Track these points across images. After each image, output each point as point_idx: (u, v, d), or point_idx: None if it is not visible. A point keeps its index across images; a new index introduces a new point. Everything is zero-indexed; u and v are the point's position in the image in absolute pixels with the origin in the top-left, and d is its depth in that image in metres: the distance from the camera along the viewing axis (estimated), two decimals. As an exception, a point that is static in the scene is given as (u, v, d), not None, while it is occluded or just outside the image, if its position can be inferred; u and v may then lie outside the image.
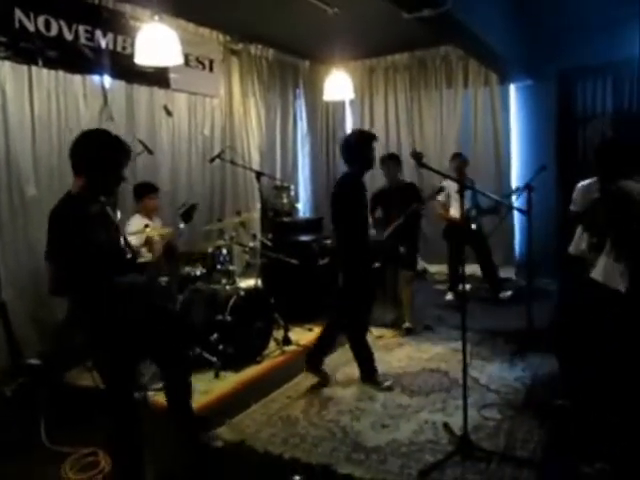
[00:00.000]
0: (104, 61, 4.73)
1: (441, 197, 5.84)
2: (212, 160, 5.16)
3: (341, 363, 4.21)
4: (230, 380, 4.02)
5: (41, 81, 4.36)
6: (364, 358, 3.87)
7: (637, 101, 5.94)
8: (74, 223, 2.29)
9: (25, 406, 3.44)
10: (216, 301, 4.30)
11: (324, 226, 6.07)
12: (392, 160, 5.14)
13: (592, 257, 3.15)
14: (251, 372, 4.17)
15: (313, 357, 3.93)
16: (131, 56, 4.11)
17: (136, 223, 4.28)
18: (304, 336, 4.89)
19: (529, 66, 6.14)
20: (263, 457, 2.98)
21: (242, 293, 4.35)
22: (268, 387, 3.85)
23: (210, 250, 4.61)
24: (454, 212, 5.70)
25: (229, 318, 4.16)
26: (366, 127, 7.66)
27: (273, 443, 3.11)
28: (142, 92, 5.20)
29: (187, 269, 4.54)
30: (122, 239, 2.65)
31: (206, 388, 3.85)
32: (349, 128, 7.92)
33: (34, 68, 4.29)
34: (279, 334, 4.70)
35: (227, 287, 4.45)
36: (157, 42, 3.63)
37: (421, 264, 6.72)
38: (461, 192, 3.01)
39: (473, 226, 5.76)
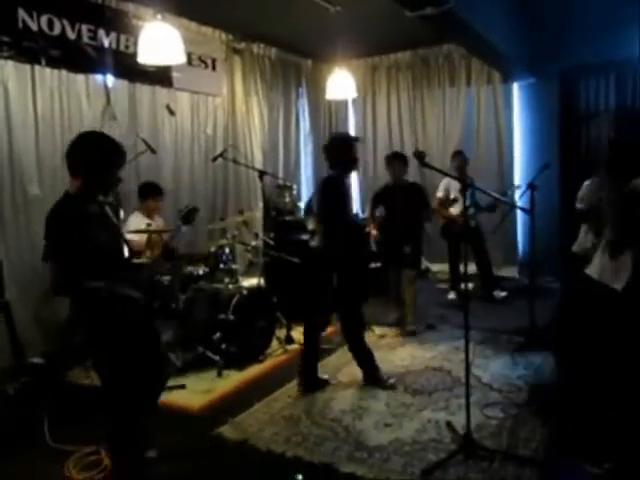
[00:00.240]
0: (107, 60, 4.74)
1: (440, 194, 5.84)
2: (215, 159, 5.16)
3: (343, 363, 4.20)
4: (233, 379, 4.02)
5: (44, 80, 4.37)
6: (364, 359, 3.85)
7: (640, 99, 5.93)
8: (72, 221, 2.31)
9: (28, 405, 3.44)
10: (219, 300, 4.30)
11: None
12: (398, 159, 5.08)
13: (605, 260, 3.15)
14: (254, 371, 4.17)
15: (305, 374, 3.80)
16: (134, 55, 4.12)
17: (136, 221, 4.28)
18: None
19: (532, 64, 6.13)
20: (265, 456, 2.98)
21: (245, 292, 4.35)
22: (271, 386, 3.85)
23: (213, 249, 4.62)
24: (454, 210, 5.70)
25: (232, 317, 4.16)
26: (369, 126, 7.69)
27: (276, 442, 3.11)
28: (145, 91, 5.21)
29: (190, 268, 4.55)
30: (122, 239, 2.65)
31: (209, 387, 3.86)
32: (352, 127, 7.93)
33: (37, 67, 4.30)
34: (282, 333, 4.70)
35: (230, 286, 4.45)
36: (160, 41, 3.64)
37: (424, 263, 6.71)
38: (463, 191, 3.00)
39: (472, 223, 5.74)
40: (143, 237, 3.72)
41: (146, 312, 2.50)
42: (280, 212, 5.73)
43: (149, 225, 4.17)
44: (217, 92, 6.05)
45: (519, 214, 6.49)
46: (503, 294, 5.96)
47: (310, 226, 5.42)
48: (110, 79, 4.82)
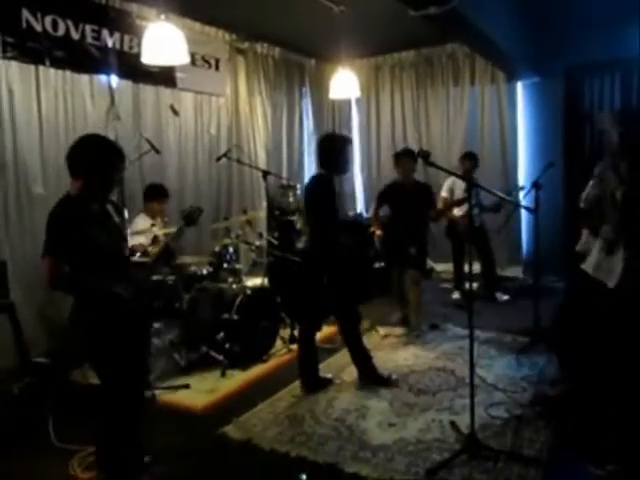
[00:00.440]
0: (111, 60, 4.75)
1: (445, 194, 5.82)
2: (219, 159, 5.16)
3: (346, 363, 4.18)
4: (237, 379, 4.02)
5: (48, 81, 4.38)
6: (360, 358, 3.85)
7: (645, 97, 5.90)
8: (73, 221, 2.34)
9: (33, 404, 3.46)
10: (222, 300, 4.31)
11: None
12: (407, 156, 4.94)
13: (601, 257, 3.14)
14: (257, 371, 4.17)
15: (306, 375, 3.80)
16: (138, 55, 4.12)
17: (142, 223, 4.30)
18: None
19: (536, 63, 6.11)
20: (269, 455, 2.98)
21: (248, 292, 4.36)
22: (274, 386, 3.85)
23: (217, 249, 4.62)
24: (457, 210, 5.68)
25: (235, 317, 4.16)
26: (372, 125, 7.69)
27: (279, 441, 3.11)
28: (149, 91, 5.22)
29: (193, 268, 4.55)
30: (123, 239, 2.66)
31: (213, 387, 3.86)
32: (355, 126, 7.92)
33: (41, 68, 4.32)
34: (285, 333, 4.69)
35: (233, 286, 4.46)
36: (164, 41, 3.64)
37: (429, 263, 6.69)
38: (468, 191, 3.00)
39: (477, 223, 5.73)
40: (149, 239, 3.73)
41: (137, 311, 2.49)
42: (284, 212, 5.72)
43: (153, 226, 4.19)
44: (221, 92, 6.05)
45: (523, 214, 6.48)
46: (505, 297, 5.91)
47: (298, 225, 5.43)
48: (114, 79, 4.82)
